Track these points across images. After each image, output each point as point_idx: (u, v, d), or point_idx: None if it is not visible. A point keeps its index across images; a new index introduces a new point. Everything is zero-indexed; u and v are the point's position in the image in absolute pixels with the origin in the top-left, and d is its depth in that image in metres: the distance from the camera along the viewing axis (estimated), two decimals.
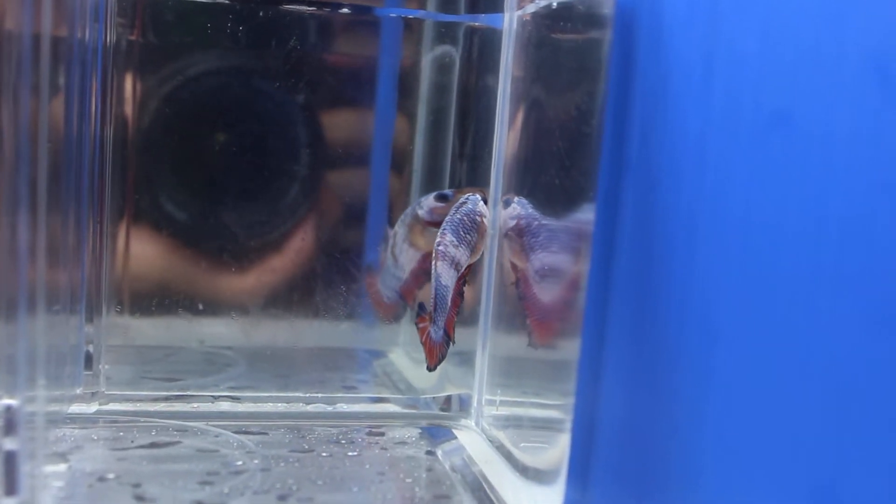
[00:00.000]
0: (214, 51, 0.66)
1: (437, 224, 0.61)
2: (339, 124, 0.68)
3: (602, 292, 0.55)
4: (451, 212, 0.59)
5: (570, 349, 0.56)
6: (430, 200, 0.63)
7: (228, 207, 0.67)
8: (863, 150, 0.36)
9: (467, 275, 0.59)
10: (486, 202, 0.59)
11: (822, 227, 0.38)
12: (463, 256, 0.58)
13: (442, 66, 0.68)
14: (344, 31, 0.68)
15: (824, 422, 0.37)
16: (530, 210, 0.57)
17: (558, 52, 0.58)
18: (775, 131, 0.41)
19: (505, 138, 0.64)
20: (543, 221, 0.57)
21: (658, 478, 0.49)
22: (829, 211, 0.38)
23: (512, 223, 0.58)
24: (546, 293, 0.57)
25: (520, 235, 0.57)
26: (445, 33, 0.68)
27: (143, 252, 0.67)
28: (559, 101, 0.58)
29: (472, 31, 0.67)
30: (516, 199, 0.58)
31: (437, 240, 0.58)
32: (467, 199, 0.59)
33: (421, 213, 0.63)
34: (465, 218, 0.58)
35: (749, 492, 0.42)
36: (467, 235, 0.58)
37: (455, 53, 0.68)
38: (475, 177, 0.67)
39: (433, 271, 0.57)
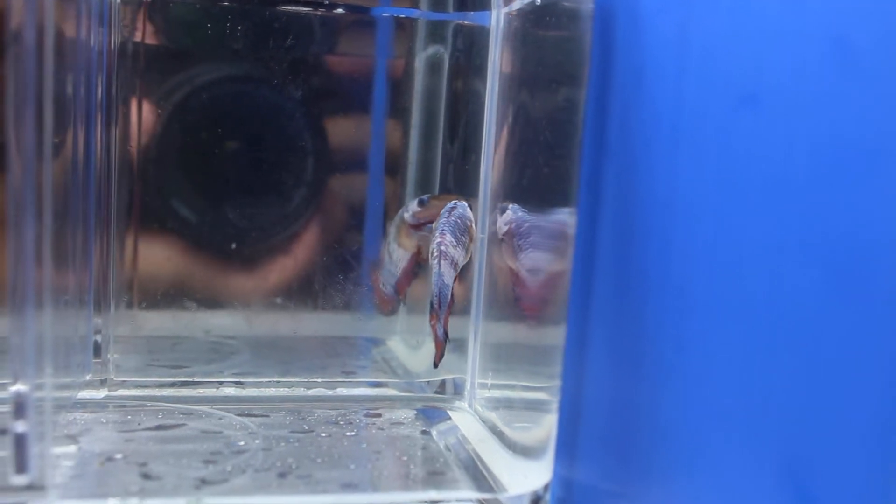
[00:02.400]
0: (215, 51, 0.68)
1: (418, 227, 0.64)
2: (335, 121, 0.71)
3: (586, 276, 0.58)
4: (444, 215, 0.61)
5: (556, 335, 0.59)
6: (413, 205, 0.65)
7: (230, 203, 0.69)
8: (823, 124, 0.38)
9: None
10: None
11: (787, 199, 0.40)
12: (460, 256, 0.60)
13: (432, 64, 0.70)
14: (339, 31, 0.70)
15: (795, 385, 0.39)
16: (520, 214, 0.60)
17: (542, 47, 0.60)
18: (743, 111, 0.43)
19: (494, 131, 0.66)
20: (535, 223, 0.59)
21: (641, 449, 0.52)
22: (794, 184, 0.40)
23: (505, 228, 0.60)
24: (536, 286, 0.59)
25: (511, 238, 0.60)
26: (435, 32, 0.70)
27: (150, 246, 0.69)
28: (545, 94, 0.60)
29: (460, 29, 0.69)
30: (510, 206, 0.61)
31: (437, 240, 0.60)
32: (456, 204, 0.61)
33: (406, 215, 0.65)
34: (458, 220, 0.60)
35: (726, 459, 0.44)
36: (462, 237, 0.60)
37: (444, 51, 0.70)
38: (465, 169, 0.69)
39: (436, 270, 0.60)
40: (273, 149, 0.70)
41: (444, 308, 0.59)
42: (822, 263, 0.38)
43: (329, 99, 0.71)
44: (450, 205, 0.61)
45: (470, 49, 0.69)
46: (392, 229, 0.67)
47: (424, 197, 0.65)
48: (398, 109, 0.71)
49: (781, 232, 0.40)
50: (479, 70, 0.67)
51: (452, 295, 0.60)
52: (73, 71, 0.59)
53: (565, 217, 0.57)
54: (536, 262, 0.58)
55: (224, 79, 0.68)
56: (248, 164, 0.69)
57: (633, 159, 0.52)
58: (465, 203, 0.61)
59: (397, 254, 0.67)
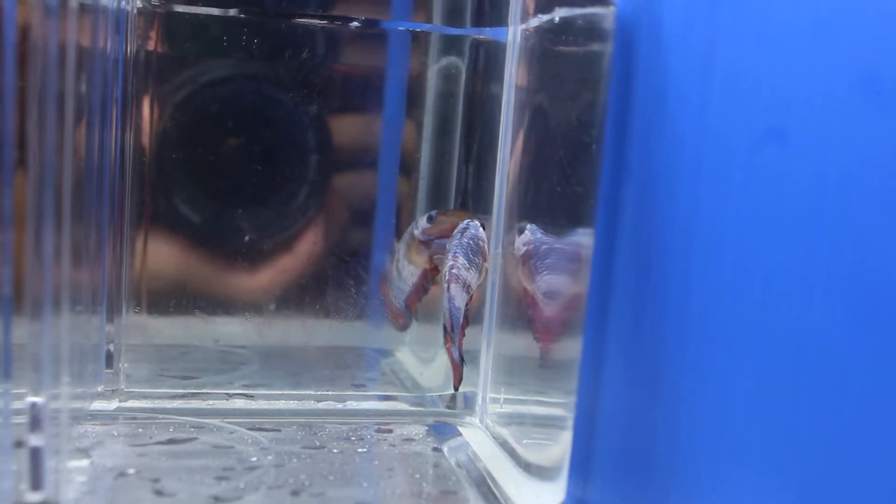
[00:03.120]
0: (230, 62, 0.68)
1: (427, 243, 0.64)
2: (348, 133, 0.71)
3: (603, 294, 0.57)
4: (457, 236, 0.61)
5: (573, 349, 0.58)
6: (423, 221, 0.65)
7: (243, 212, 0.69)
8: (853, 162, 0.38)
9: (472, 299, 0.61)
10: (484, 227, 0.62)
11: (813, 232, 0.40)
12: (473, 278, 0.60)
13: (448, 78, 0.70)
14: (353, 44, 0.70)
15: (817, 417, 0.39)
16: (539, 235, 0.59)
17: (560, 65, 0.60)
18: (770, 143, 0.43)
19: (509, 148, 0.66)
20: (553, 245, 0.59)
21: (658, 473, 0.51)
22: (821, 217, 0.40)
23: (523, 249, 0.60)
24: (551, 309, 0.59)
25: (528, 259, 0.59)
26: (452, 46, 0.70)
27: (161, 255, 0.69)
28: (561, 112, 0.60)
29: (477, 44, 0.69)
30: (528, 226, 0.60)
31: (450, 262, 0.60)
32: (469, 224, 0.61)
33: (416, 232, 0.65)
34: (471, 242, 0.60)
35: (745, 483, 0.44)
36: (475, 258, 0.60)
37: (461, 65, 0.70)
38: (480, 185, 0.69)
39: (446, 293, 0.59)
40: (286, 160, 0.70)
41: (457, 331, 0.59)
42: (848, 296, 0.38)
43: (342, 111, 0.70)
44: (462, 225, 0.61)
45: (486, 65, 0.69)
46: (401, 246, 0.67)
47: (433, 213, 0.65)
48: (413, 124, 0.71)
49: (807, 263, 0.40)
50: (496, 85, 0.67)
51: (466, 317, 0.60)
52: (90, 77, 0.58)
53: (581, 238, 0.57)
54: (553, 285, 0.58)
55: (238, 89, 0.68)
56: (260, 173, 0.69)
57: (654, 183, 0.52)
58: (477, 223, 0.61)
59: (407, 270, 0.67)
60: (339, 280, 0.71)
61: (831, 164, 0.39)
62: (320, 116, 0.69)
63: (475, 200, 0.70)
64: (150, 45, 0.67)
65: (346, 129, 0.71)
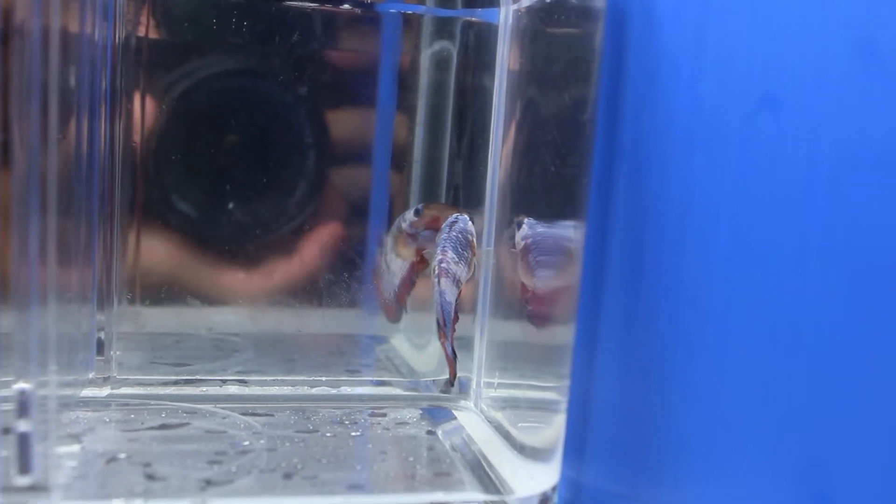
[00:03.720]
0: (221, 47, 0.67)
1: (414, 236, 0.63)
2: (341, 117, 0.70)
3: (597, 277, 0.57)
4: (445, 230, 0.60)
5: (566, 334, 0.58)
6: (410, 214, 0.65)
7: (235, 199, 0.69)
8: (848, 125, 0.37)
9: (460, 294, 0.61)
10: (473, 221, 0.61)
11: (808, 206, 0.39)
12: (462, 272, 0.59)
13: (440, 61, 0.70)
14: (346, 27, 0.69)
15: (813, 397, 0.39)
16: (537, 229, 0.59)
17: (552, 45, 0.60)
18: (763, 115, 0.42)
19: (501, 129, 0.65)
20: (551, 237, 0.59)
21: (652, 453, 0.51)
22: (815, 191, 0.39)
23: (522, 244, 0.60)
24: (550, 301, 0.59)
25: (527, 254, 0.59)
26: (443, 28, 0.69)
27: (153, 243, 0.68)
28: (554, 93, 0.59)
29: (468, 26, 0.68)
30: (526, 220, 0.60)
31: (439, 257, 0.59)
32: (457, 218, 0.61)
33: (404, 225, 0.65)
34: (460, 235, 0.60)
35: (740, 465, 0.43)
36: (464, 252, 0.59)
37: (452, 48, 0.69)
38: (473, 164, 0.68)
39: (437, 287, 0.59)
40: (277, 144, 0.69)
41: (449, 325, 0.59)
42: (843, 270, 0.38)
43: (334, 95, 0.70)
44: (451, 219, 0.60)
45: (478, 46, 0.68)
46: (389, 240, 0.67)
47: (419, 206, 0.65)
48: (405, 106, 0.71)
49: (802, 238, 0.40)
50: (488, 67, 0.66)
51: (456, 312, 0.59)
52: (77, 65, 0.58)
53: (575, 222, 0.57)
54: (551, 279, 0.58)
55: (228, 73, 0.68)
56: (252, 159, 0.69)
57: (647, 161, 0.52)
58: (466, 217, 0.61)
59: (395, 263, 0.66)
60: (334, 266, 0.71)
61: (827, 135, 0.39)
62: (312, 100, 0.69)
63: (468, 183, 0.69)
64: (141, 31, 0.66)
65: (338, 113, 0.70)
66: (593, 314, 0.58)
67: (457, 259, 0.59)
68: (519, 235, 0.60)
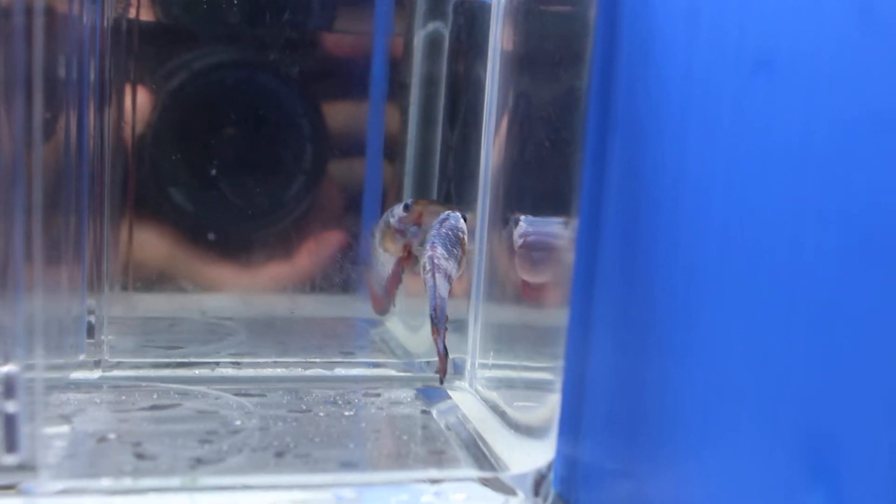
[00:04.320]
0: (210, 27, 0.67)
1: (402, 232, 0.63)
2: (333, 99, 0.70)
3: (591, 251, 0.57)
4: (436, 227, 0.59)
5: (559, 314, 0.58)
6: (398, 209, 0.64)
7: (227, 182, 0.68)
8: (845, 87, 0.37)
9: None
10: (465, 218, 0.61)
11: (805, 170, 0.39)
12: (452, 269, 0.59)
13: (433, 42, 0.69)
14: (337, 7, 0.69)
15: (811, 362, 0.38)
16: (535, 227, 0.59)
17: (545, 19, 0.59)
18: (757, 78, 0.42)
19: (495, 106, 0.65)
20: (548, 232, 0.58)
21: (648, 428, 0.51)
22: (813, 155, 0.38)
23: (520, 241, 0.59)
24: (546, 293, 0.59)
25: (528, 251, 0.58)
26: (436, 8, 0.69)
27: (145, 229, 0.68)
28: (548, 66, 0.59)
29: (461, 5, 0.68)
30: (522, 217, 0.59)
31: (429, 253, 0.58)
32: (448, 215, 0.60)
33: (392, 220, 0.64)
34: (450, 233, 0.59)
35: (737, 436, 0.43)
36: (454, 249, 0.59)
37: (444, 29, 0.69)
38: (467, 145, 0.68)
39: (430, 283, 0.58)
40: (270, 127, 0.69)
41: (442, 322, 0.58)
42: (840, 235, 0.37)
43: (327, 76, 0.69)
44: (442, 216, 0.60)
45: (471, 26, 0.67)
46: (377, 234, 0.66)
47: (409, 201, 0.64)
48: (397, 87, 0.70)
49: (798, 204, 0.39)
50: (481, 47, 0.66)
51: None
52: (64, 50, 0.57)
53: (565, 220, 0.56)
54: (553, 272, 0.57)
55: (218, 56, 0.67)
56: (244, 143, 0.68)
57: (641, 132, 0.51)
58: (457, 214, 0.60)
59: (383, 258, 0.66)
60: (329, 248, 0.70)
61: (822, 98, 0.38)
62: (305, 84, 0.68)
63: (461, 161, 0.69)
64: (130, 13, 0.65)
65: (330, 95, 0.70)
66: (588, 291, 0.57)
67: (446, 255, 0.58)
68: (517, 233, 0.59)
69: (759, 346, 0.41)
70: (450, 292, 0.59)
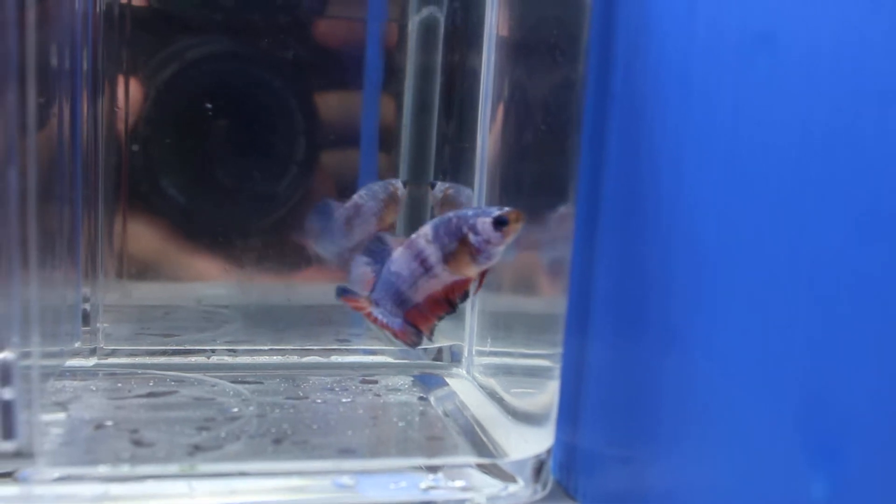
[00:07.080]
0: (203, 13, 0.66)
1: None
2: (327, 86, 0.69)
3: (589, 234, 0.56)
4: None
5: (558, 301, 0.57)
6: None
7: (222, 171, 0.68)
8: (847, 63, 0.36)
9: (464, 288, 0.54)
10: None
11: (807, 144, 0.38)
12: (433, 256, 0.53)
13: (428, 27, 0.69)
14: None
15: (810, 343, 0.38)
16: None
17: (542, 0, 0.59)
18: (759, 52, 0.41)
19: (491, 93, 0.64)
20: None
21: (647, 412, 0.50)
22: (817, 129, 0.38)
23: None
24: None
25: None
26: None
27: (139, 216, 0.67)
28: (544, 50, 0.58)
29: None
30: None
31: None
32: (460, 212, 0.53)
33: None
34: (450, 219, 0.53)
35: (738, 414, 0.43)
36: (444, 238, 0.53)
37: (440, 13, 0.68)
38: (463, 130, 0.67)
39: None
40: (265, 115, 0.68)
41: (386, 293, 0.55)
42: (845, 208, 0.37)
43: (322, 63, 0.69)
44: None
45: (467, 10, 0.67)
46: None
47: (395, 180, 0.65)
48: (391, 72, 0.70)
49: (802, 178, 0.39)
50: (476, 31, 0.65)
51: (443, 303, 0.54)
52: (56, 37, 0.57)
53: (567, 201, 0.56)
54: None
55: (212, 43, 0.67)
56: (238, 132, 0.68)
57: (641, 108, 0.51)
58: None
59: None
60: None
61: (826, 70, 0.37)
62: (299, 70, 0.68)
63: (457, 139, 0.68)
64: None
65: (325, 82, 0.69)
66: (587, 275, 0.57)
67: (430, 237, 0.53)
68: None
69: (760, 330, 0.41)
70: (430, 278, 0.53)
